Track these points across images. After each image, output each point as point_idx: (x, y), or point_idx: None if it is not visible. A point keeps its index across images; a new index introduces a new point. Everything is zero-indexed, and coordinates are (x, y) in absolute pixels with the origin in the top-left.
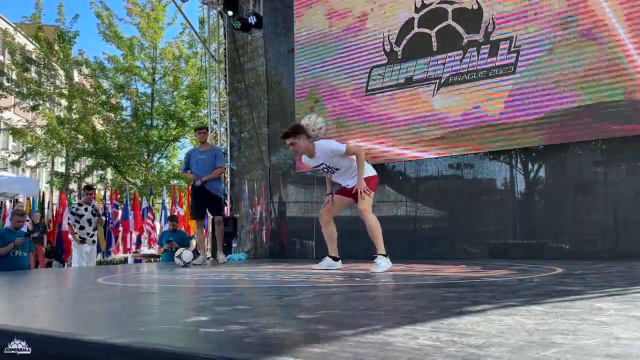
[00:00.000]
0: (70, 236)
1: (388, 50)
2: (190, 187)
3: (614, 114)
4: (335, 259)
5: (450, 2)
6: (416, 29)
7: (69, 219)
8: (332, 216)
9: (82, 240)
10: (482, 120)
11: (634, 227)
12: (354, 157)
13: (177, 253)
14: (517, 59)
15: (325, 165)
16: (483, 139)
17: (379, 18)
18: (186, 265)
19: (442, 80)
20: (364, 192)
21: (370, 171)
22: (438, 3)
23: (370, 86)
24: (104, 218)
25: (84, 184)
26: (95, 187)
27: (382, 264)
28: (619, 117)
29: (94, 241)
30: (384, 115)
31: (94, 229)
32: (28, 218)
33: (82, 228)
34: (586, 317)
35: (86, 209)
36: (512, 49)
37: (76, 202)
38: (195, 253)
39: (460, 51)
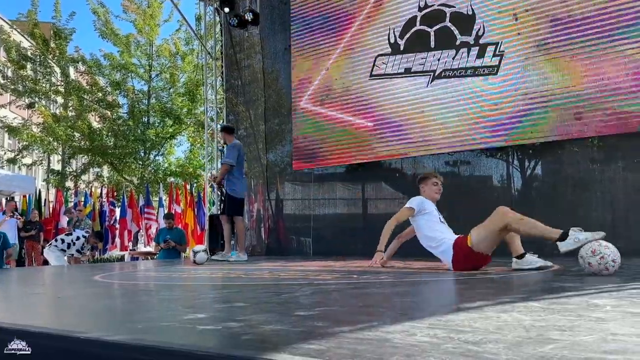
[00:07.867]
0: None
1: (392, 42)
2: None
3: (574, 118)
4: None
5: (449, 5)
6: (418, 26)
7: (77, 251)
8: None
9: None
10: (467, 113)
11: (630, 224)
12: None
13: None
14: (500, 62)
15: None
16: (467, 133)
17: (388, 12)
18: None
19: (436, 74)
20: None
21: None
22: (439, 5)
23: (374, 72)
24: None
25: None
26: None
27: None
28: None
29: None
30: (384, 99)
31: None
32: (19, 216)
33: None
34: (583, 314)
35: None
36: (496, 53)
37: (85, 239)
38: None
39: (454, 50)
